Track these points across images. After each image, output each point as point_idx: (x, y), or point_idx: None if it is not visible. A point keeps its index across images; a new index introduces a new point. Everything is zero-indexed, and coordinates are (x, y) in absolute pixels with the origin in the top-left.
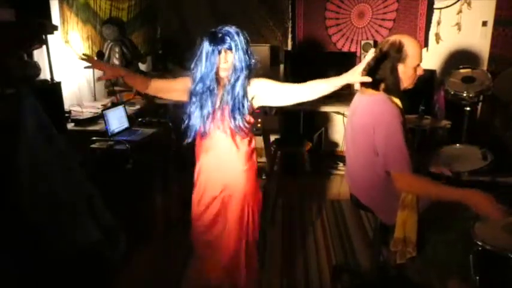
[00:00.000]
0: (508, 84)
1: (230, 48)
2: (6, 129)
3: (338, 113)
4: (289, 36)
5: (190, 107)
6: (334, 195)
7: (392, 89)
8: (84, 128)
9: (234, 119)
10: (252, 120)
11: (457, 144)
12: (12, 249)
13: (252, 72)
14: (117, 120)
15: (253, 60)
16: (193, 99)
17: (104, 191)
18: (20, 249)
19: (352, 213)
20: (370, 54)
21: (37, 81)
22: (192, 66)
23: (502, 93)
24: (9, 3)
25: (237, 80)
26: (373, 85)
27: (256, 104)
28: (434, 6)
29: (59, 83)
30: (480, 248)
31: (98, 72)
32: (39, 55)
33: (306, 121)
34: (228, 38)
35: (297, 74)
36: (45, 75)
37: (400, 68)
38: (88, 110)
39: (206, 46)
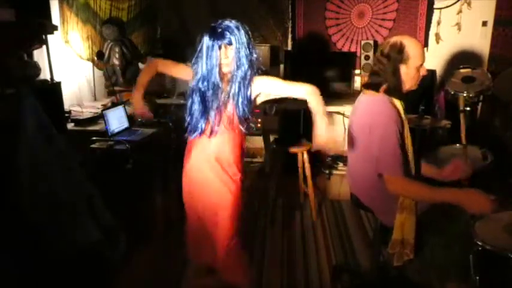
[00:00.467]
0: (508, 84)
1: (230, 43)
2: (6, 129)
3: (338, 113)
4: (289, 36)
5: (194, 104)
6: (334, 195)
7: (394, 90)
8: (84, 128)
9: (239, 115)
10: (251, 118)
11: (457, 144)
12: (12, 249)
13: (255, 66)
14: (117, 120)
15: (255, 55)
16: (197, 97)
17: (104, 191)
18: (20, 249)
19: (352, 213)
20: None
21: (37, 81)
22: (193, 61)
23: (502, 93)
24: (9, 3)
25: (240, 75)
26: (375, 87)
27: (259, 100)
28: (434, 6)
29: (59, 83)
30: (480, 248)
31: (98, 72)
32: (39, 55)
33: (306, 121)
34: (227, 33)
35: (297, 74)
36: (45, 75)
37: (403, 69)
38: (88, 110)
39: (206, 41)
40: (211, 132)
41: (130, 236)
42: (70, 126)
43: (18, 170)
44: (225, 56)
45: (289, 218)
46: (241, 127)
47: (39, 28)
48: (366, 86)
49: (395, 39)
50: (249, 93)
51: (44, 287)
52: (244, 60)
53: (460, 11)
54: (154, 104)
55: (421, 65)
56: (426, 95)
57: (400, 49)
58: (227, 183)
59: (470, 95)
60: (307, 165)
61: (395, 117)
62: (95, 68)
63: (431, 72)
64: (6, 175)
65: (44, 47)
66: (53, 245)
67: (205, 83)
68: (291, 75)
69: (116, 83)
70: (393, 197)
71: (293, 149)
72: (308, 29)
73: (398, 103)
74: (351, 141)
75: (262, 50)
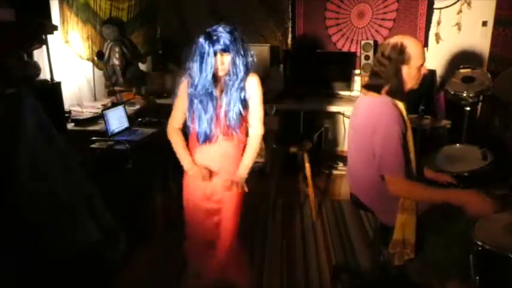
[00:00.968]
0: (508, 84)
1: (226, 50)
2: (6, 129)
3: (338, 113)
4: (289, 36)
5: (194, 111)
6: (334, 195)
7: (396, 91)
8: (84, 128)
9: (235, 119)
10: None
11: (457, 144)
12: (12, 249)
13: (250, 70)
14: (117, 120)
15: (250, 58)
16: (196, 102)
17: (104, 191)
18: (20, 249)
19: (352, 213)
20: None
21: (37, 81)
22: (188, 67)
23: (502, 93)
24: (9, 3)
25: (235, 80)
26: (376, 88)
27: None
28: (434, 6)
29: (59, 83)
30: (480, 248)
31: (98, 72)
32: (39, 55)
33: (306, 121)
34: (223, 39)
35: (297, 74)
36: (45, 75)
37: (404, 69)
38: (88, 110)
39: (202, 48)
40: (211, 137)
41: (130, 236)
42: (70, 126)
43: (18, 170)
44: (221, 62)
45: (289, 218)
46: (238, 131)
47: (39, 28)
48: (367, 87)
49: (395, 39)
50: (243, 97)
51: (44, 287)
52: (240, 66)
53: (460, 11)
54: (154, 104)
55: (422, 64)
56: (426, 95)
57: (401, 50)
58: (228, 188)
59: (470, 95)
60: (307, 165)
61: (398, 118)
62: (95, 68)
63: (432, 72)
64: (6, 175)
65: (44, 47)
66: (52, 245)
67: (202, 90)
68: (291, 75)
69: (116, 83)
70: (393, 197)
71: (293, 149)
72: (308, 29)
73: (400, 104)
74: (352, 141)
75: (262, 50)
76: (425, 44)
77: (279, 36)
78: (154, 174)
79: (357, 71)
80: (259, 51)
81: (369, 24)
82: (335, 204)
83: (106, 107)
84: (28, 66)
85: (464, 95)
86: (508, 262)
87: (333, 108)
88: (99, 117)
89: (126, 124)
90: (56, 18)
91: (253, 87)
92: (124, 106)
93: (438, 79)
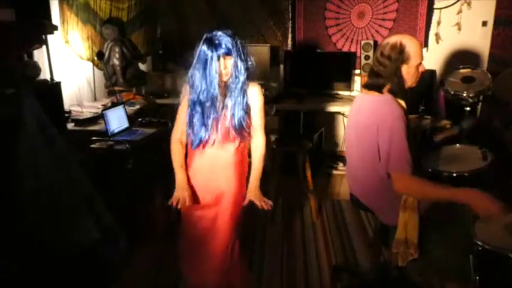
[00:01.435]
0: (508, 84)
1: (229, 54)
2: (6, 129)
3: (338, 113)
4: (289, 36)
5: (194, 116)
6: (334, 195)
7: (398, 90)
8: (84, 128)
9: (237, 123)
10: (249, 123)
11: (457, 144)
12: (12, 249)
13: (251, 75)
14: (117, 120)
15: (250, 62)
16: (197, 108)
17: (104, 191)
18: (20, 249)
19: (352, 213)
20: None
21: (37, 81)
22: (190, 74)
23: (502, 93)
24: (9, 3)
25: (238, 84)
26: (377, 87)
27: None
28: (434, 6)
29: (59, 83)
30: (480, 248)
31: (98, 72)
32: (39, 55)
33: (306, 121)
34: (225, 44)
35: (297, 74)
36: (45, 75)
37: (404, 68)
38: (88, 110)
39: (204, 53)
40: (212, 142)
41: (130, 236)
42: (70, 126)
43: (18, 169)
44: (224, 66)
45: (289, 218)
46: (240, 136)
47: (39, 28)
48: (368, 86)
49: (394, 39)
50: (245, 101)
51: (43, 287)
52: (242, 70)
53: (460, 11)
54: (154, 104)
55: (420, 62)
56: (426, 95)
57: (400, 49)
58: (226, 193)
59: (470, 95)
60: (307, 165)
61: (402, 116)
62: (95, 68)
63: (432, 72)
64: (6, 175)
65: (44, 47)
66: (53, 245)
67: (206, 95)
68: (291, 75)
69: (116, 83)
70: (394, 196)
71: (293, 149)
72: (308, 29)
73: (402, 102)
74: (353, 141)
75: (262, 50)
76: (425, 44)
77: (279, 36)
78: (154, 174)
79: (357, 71)
80: (259, 51)
81: (369, 24)
82: (335, 204)
83: (106, 107)
84: (28, 66)
85: (464, 95)
86: (508, 262)
87: (333, 108)
88: (99, 117)
89: (126, 124)
90: (56, 18)
91: (255, 96)
92: (124, 106)
93: (438, 79)
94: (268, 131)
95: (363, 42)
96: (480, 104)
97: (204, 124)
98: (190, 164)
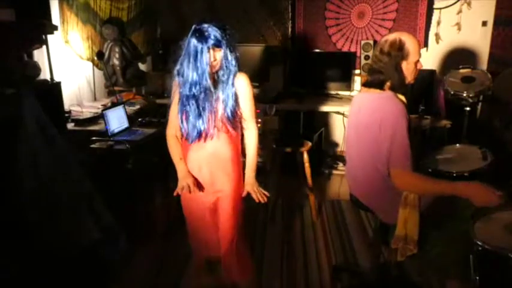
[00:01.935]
0: (508, 84)
1: (219, 45)
2: (6, 129)
3: (338, 113)
4: (289, 36)
5: (188, 110)
6: (334, 195)
7: (398, 86)
8: (84, 128)
9: (230, 114)
10: (239, 113)
11: (457, 144)
12: (12, 249)
13: (239, 66)
14: (117, 120)
15: (237, 54)
16: (190, 101)
17: (104, 191)
18: (20, 249)
19: (352, 213)
20: None
21: (37, 81)
22: (179, 67)
23: (502, 93)
24: (9, 3)
25: (228, 75)
26: (377, 85)
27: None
28: (434, 6)
29: (59, 83)
30: (480, 248)
31: (98, 72)
32: (39, 55)
33: (306, 121)
34: (215, 35)
35: (297, 74)
36: (45, 75)
37: (404, 65)
38: (88, 110)
39: (194, 45)
40: (207, 135)
41: (130, 236)
42: (70, 126)
43: (18, 169)
44: (214, 58)
45: (289, 218)
46: (232, 125)
47: (39, 28)
48: (368, 84)
49: (393, 36)
50: (234, 91)
51: (43, 287)
52: (232, 60)
53: (460, 11)
54: (154, 104)
55: (419, 59)
56: (426, 95)
57: (400, 46)
58: (225, 185)
59: (470, 95)
60: (307, 165)
61: (404, 112)
62: (95, 68)
63: (431, 72)
64: (6, 175)
65: (44, 47)
66: (52, 245)
67: (198, 87)
68: (290, 75)
69: (116, 83)
70: (394, 195)
71: (293, 149)
72: (308, 29)
73: (403, 98)
74: (353, 140)
75: (262, 50)
76: (425, 44)
77: (279, 36)
78: (154, 174)
79: (357, 71)
80: (259, 51)
81: (369, 24)
82: (335, 204)
83: (106, 107)
84: (28, 66)
85: (464, 95)
86: (508, 262)
87: (333, 108)
88: (99, 117)
89: (126, 124)
90: (56, 18)
91: (243, 85)
92: (124, 106)
93: (438, 79)
94: (267, 131)
95: (362, 42)
96: (480, 104)
97: (198, 117)
98: (187, 158)
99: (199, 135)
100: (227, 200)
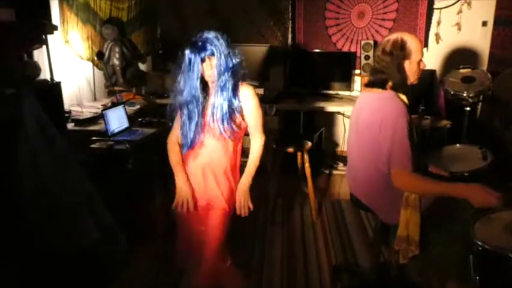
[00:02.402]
0: (508, 84)
1: (212, 54)
2: (6, 129)
3: (338, 113)
4: (289, 36)
5: (184, 117)
6: (334, 195)
7: (400, 86)
8: (84, 128)
9: (224, 123)
10: (244, 124)
11: (457, 144)
12: (12, 248)
13: (238, 72)
14: (117, 120)
15: (236, 60)
16: (184, 110)
17: (104, 191)
18: (20, 249)
19: (352, 213)
20: None
21: (37, 81)
22: (178, 79)
23: (502, 93)
24: (9, 3)
25: (223, 83)
26: (379, 84)
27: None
28: (434, 6)
29: (59, 83)
30: (480, 248)
31: (98, 72)
32: (39, 55)
33: (306, 121)
34: (208, 44)
35: (297, 74)
36: (45, 75)
37: (406, 64)
38: (88, 110)
39: (188, 56)
40: (201, 143)
41: (130, 236)
42: (70, 126)
43: (18, 169)
44: (210, 67)
45: (289, 218)
46: (227, 135)
47: (39, 28)
48: (370, 84)
49: (395, 36)
50: (234, 99)
51: (43, 287)
52: (226, 69)
53: (460, 11)
54: (154, 104)
55: (421, 59)
56: (426, 95)
57: (402, 46)
58: (217, 197)
59: (470, 95)
60: (307, 165)
61: (405, 112)
62: (95, 68)
63: (431, 72)
64: (6, 175)
65: (44, 47)
66: (52, 245)
67: (191, 97)
68: (290, 75)
69: (116, 83)
70: (395, 194)
71: (293, 149)
72: (308, 29)
73: (404, 98)
74: (354, 141)
75: (262, 50)
76: (425, 44)
77: (279, 36)
78: (154, 174)
79: (357, 71)
80: (259, 51)
81: (369, 24)
82: (335, 204)
83: (106, 107)
84: (28, 66)
85: (464, 95)
86: (508, 262)
87: (333, 108)
88: (99, 117)
89: (126, 124)
90: (56, 18)
91: (247, 98)
92: (124, 106)
93: (438, 79)
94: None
95: (363, 42)
96: (480, 104)
97: (191, 125)
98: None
99: (192, 142)
100: (217, 212)
